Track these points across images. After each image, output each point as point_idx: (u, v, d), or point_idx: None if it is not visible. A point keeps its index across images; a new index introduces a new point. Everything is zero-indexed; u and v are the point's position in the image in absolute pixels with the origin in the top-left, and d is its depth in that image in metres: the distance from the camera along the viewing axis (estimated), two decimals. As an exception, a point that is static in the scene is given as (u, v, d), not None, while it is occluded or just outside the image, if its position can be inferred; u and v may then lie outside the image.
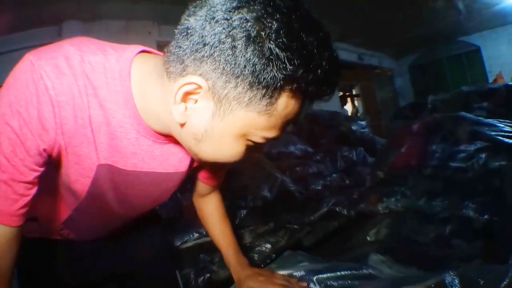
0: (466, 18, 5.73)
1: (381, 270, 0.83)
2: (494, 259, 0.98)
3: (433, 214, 1.40)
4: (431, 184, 1.55)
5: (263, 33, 0.40)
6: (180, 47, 0.44)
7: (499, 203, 1.21)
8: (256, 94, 0.42)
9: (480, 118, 1.81)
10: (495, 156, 1.49)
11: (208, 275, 1.44)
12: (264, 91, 0.42)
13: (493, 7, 5.51)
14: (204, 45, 0.42)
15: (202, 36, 0.42)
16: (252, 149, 0.51)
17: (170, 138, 0.57)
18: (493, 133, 1.61)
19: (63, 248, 0.74)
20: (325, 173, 2.64)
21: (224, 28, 0.40)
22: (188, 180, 0.75)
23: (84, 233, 0.74)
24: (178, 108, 0.46)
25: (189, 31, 0.43)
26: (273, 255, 1.55)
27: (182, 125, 0.48)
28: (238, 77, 0.41)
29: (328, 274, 0.76)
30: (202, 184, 0.83)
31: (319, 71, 0.41)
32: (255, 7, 0.40)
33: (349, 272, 0.76)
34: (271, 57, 0.40)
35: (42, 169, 0.51)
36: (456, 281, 0.60)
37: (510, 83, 2.88)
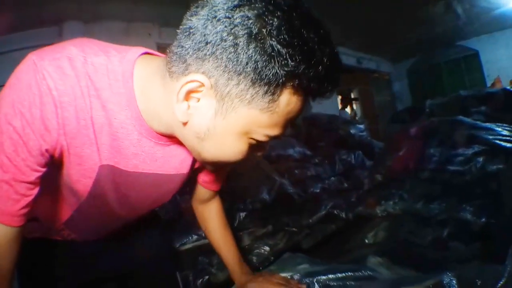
0: (465, 23, 5.77)
1: (379, 272, 0.83)
2: (491, 261, 0.99)
3: (430, 217, 1.41)
4: (428, 187, 1.56)
5: (264, 30, 0.40)
6: (182, 46, 0.45)
7: (496, 206, 1.22)
8: (258, 91, 0.43)
9: (477, 122, 1.82)
10: (492, 160, 1.50)
11: (206, 277, 1.44)
12: (266, 88, 0.42)
13: (492, 12, 5.55)
14: (206, 43, 0.42)
15: (204, 35, 0.42)
16: (255, 147, 0.52)
17: (172, 140, 0.57)
18: (490, 137, 1.62)
19: (63, 248, 0.74)
20: (324, 176, 2.65)
21: (226, 26, 0.41)
22: (188, 183, 0.74)
23: (84, 233, 0.74)
24: (180, 107, 0.46)
25: (191, 30, 0.44)
26: (272, 258, 1.56)
27: (185, 124, 0.48)
28: (240, 74, 0.42)
29: (328, 276, 0.76)
30: (203, 188, 0.82)
31: (320, 67, 0.42)
32: (256, 5, 0.41)
33: (349, 273, 0.77)
34: (272, 53, 0.40)
35: (44, 169, 0.50)
36: (454, 281, 0.61)
37: (508, 87, 2.89)
